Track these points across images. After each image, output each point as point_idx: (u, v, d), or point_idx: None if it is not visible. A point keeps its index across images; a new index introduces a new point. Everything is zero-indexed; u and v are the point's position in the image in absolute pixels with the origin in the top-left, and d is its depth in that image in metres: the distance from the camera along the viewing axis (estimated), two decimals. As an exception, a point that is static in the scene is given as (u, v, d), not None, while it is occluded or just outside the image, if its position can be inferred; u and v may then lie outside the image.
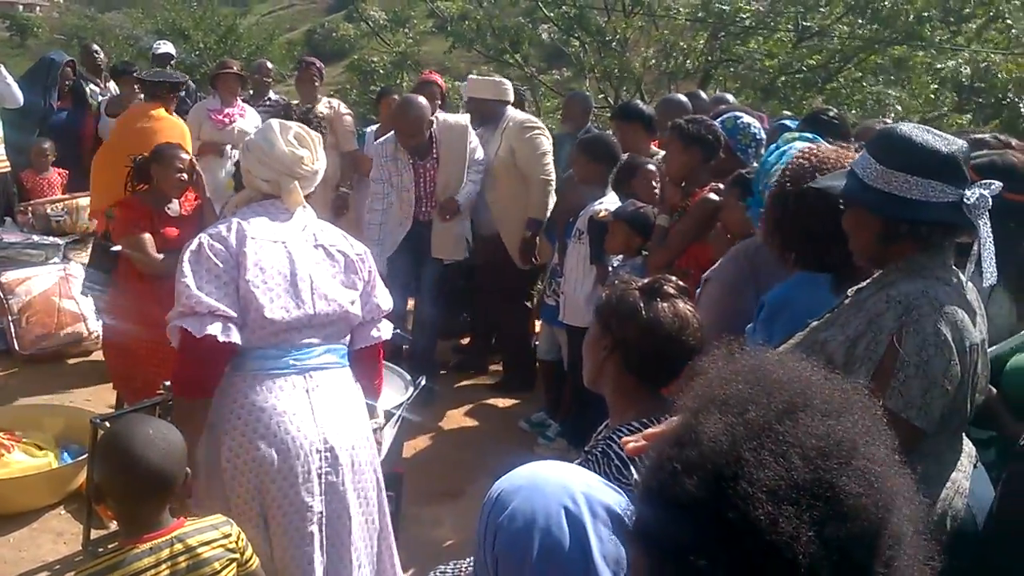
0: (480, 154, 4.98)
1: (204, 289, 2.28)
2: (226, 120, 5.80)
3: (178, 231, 4.03)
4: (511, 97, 5.22)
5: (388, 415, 3.22)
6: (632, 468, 1.66)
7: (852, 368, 1.77)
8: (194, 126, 5.55)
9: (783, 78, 13.27)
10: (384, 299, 2.67)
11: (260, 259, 2.36)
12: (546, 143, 5.08)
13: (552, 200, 4.99)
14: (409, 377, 3.49)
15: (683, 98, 5.50)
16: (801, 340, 1.95)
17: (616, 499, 1.21)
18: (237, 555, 2.01)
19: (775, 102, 12.74)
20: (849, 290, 1.98)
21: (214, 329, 2.25)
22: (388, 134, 5.04)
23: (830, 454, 0.82)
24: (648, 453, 1.00)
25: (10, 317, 5.20)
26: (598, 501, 1.18)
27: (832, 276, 2.16)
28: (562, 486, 1.19)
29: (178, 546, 1.92)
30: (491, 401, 5.30)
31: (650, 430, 1.57)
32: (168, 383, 2.57)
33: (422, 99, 4.88)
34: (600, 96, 13.50)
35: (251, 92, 6.40)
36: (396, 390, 3.39)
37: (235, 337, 2.29)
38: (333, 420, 2.45)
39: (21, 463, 3.68)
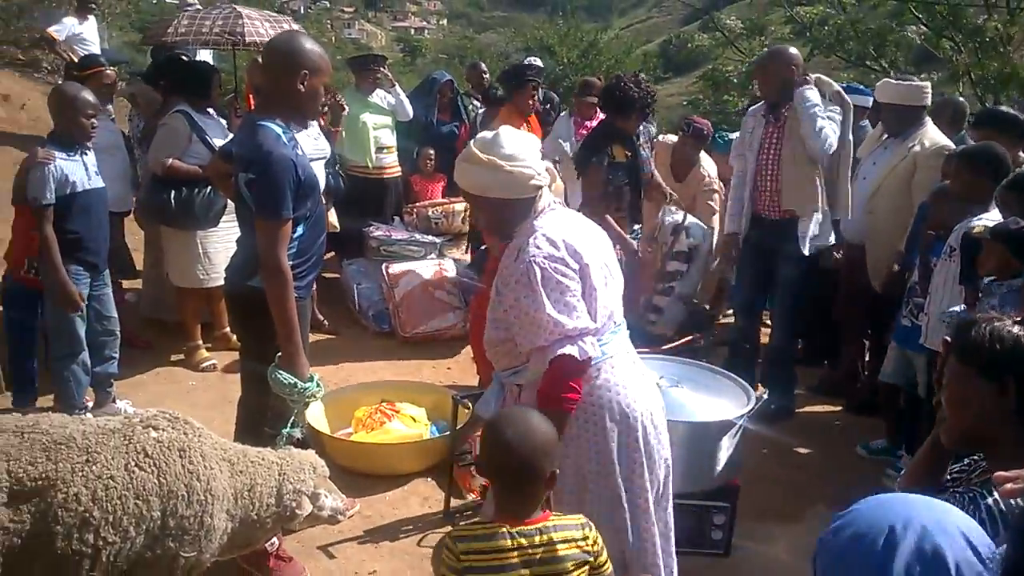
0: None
1: (565, 312, 2.37)
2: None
3: None
4: (928, 102, 4.87)
5: (728, 425, 3.24)
6: (1000, 530, 1.53)
7: None
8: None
9: None
10: None
11: (592, 260, 2.46)
12: None
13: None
14: (751, 389, 3.46)
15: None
16: None
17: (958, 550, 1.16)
18: (591, 558, 2.10)
19: None
20: None
21: (591, 349, 2.39)
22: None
23: None
24: None
25: (394, 304, 5.96)
26: (983, 542, 1.15)
27: None
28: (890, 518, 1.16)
29: (540, 537, 2.04)
30: (830, 421, 5.08)
31: None
32: None
33: None
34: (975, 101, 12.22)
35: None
36: (736, 400, 3.38)
37: (598, 346, 2.44)
38: (652, 391, 2.67)
39: (399, 432, 4.22)
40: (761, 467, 4.37)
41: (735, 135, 6.11)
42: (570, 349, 2.36)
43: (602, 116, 6.73)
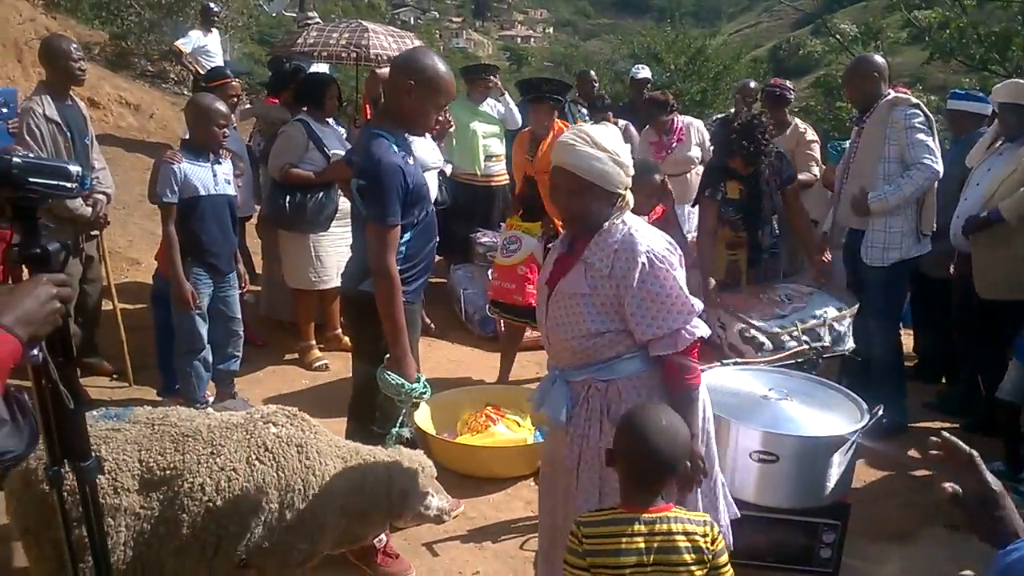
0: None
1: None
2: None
3: None
4: None
5: (840, 440, 3.15)
6: None
7: None
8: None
9: None
10: None
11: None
12: None
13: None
14: (864, 405, 3.35)
15: None
16: None
17: None
18: (709, 556, 2.13)
19: None
20: None
21: (705, 329, 2.47)
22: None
23: None
24: None
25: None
26: None
27: None
28: None
29: (661, 526, 2.12)
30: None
31: None
32: None
33: None
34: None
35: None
36: (848, 415, 3.29)
37: None
38: None
39: (504, 435, 4.27)
40: (874, 485, 4.23)
41: (848, 143, 5.99)
42: (703, 329, 2.45)
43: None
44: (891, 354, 4.90)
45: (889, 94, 4.65)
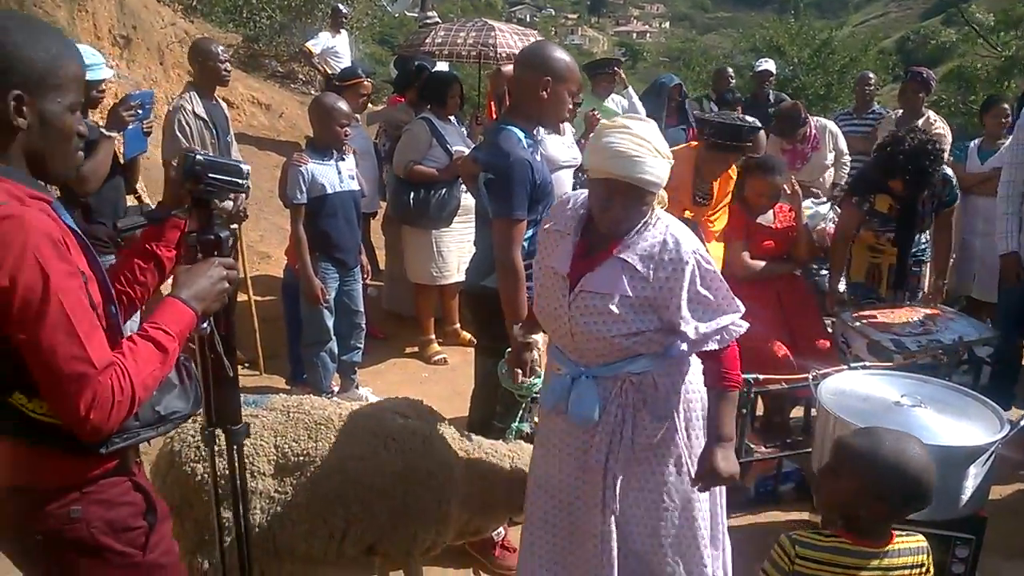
0: None
1: None
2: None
3: (772, 242, 4.32)
4: None
5: (977, 450, 3.01)
6: None
7: None
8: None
9: None
10: None
11: None
12: None
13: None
14: (1004, 414, 3.19)
15: None
16: None
17: None
18: None
19: None
20: None
21: (745, 325, 2.42)
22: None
23: None
24: None
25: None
26: None
27: None
28: None
29: (883, 561, 2.00)
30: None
31: None
32: None
33: None
34: None
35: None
36: (986, 424, 3.13)
37: None
38: None
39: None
40: (1012, 498, 4.02)
41: (975, 142, 5.71)
42: (745, 326, 2.40)
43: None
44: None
45: None
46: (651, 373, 2.42)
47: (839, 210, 4.96)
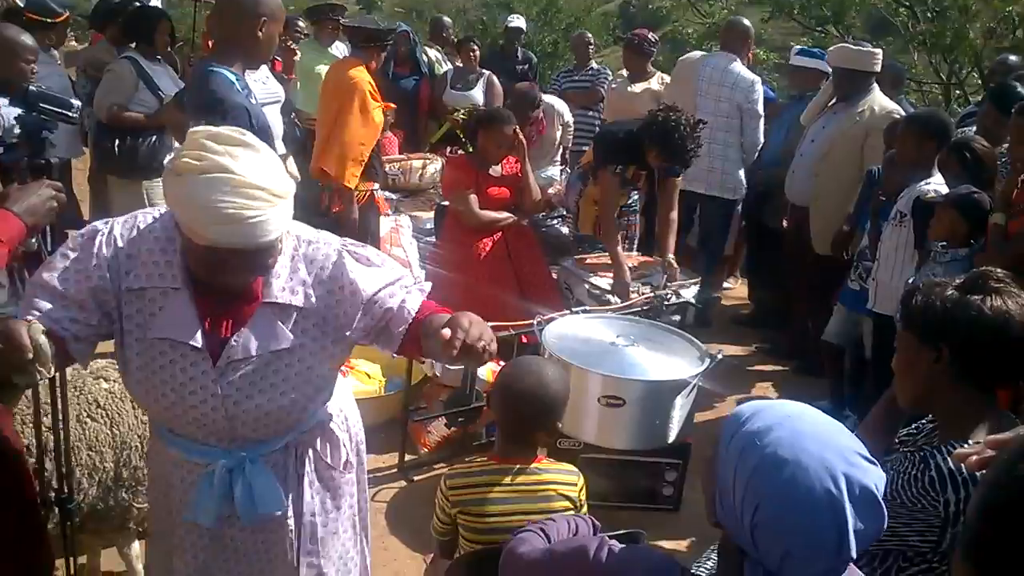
0: None
1: None
2: None
3: (500, 189, 4.43)
4: (878, 68, 4.90)
5: (682, 384, 3.26)
6: (948, 488, 1.58)
7: None
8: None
9: None
10: None
11: None
12: None
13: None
14: (704, 348, 3.48)
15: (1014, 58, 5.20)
16: None
17: (876, 477, 1.21)
18: (577, 504, 2.23)
19: None
20: None
21: None
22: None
23: None
24: (995, 467, 0.94)
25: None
26: (858, 482, 1.18)
27: None
28: (824, 467, 1.18)
29: (531, 476, 2.20)
30: (778, 380, 5.23)
31: (995, 436, 1.49)
32: None
33: None
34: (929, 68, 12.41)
35: None
36: (690, 360, 3.40)
37: None
38: None
39: (354, 388, 4.18)
40: (713, 425, 4.44)
41: None
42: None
43: None
44: None
45: None
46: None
47: (569, 171, 5.14)
